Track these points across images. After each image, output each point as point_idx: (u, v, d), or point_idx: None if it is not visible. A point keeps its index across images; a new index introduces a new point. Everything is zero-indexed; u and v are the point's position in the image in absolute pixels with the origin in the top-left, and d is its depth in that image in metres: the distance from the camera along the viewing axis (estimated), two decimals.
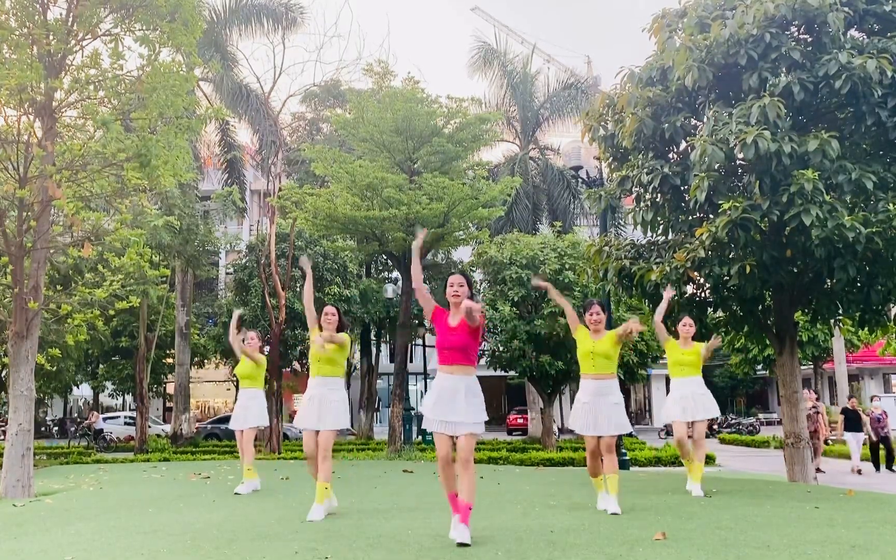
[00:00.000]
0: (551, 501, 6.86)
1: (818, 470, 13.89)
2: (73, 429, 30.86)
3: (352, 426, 27.40)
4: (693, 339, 7.75)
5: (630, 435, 9.13)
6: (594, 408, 6.15)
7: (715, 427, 30.19)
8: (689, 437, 7.54)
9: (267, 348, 19.32)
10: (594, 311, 6.33)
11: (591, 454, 6.29)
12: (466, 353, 4.85)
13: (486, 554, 4.36)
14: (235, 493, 8.03)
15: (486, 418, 4.94)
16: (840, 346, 28.14)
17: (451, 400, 4.76)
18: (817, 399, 16.49)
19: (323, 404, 6.16)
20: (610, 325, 14.47)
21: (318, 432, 6.19)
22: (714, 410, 7.54)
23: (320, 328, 6.31)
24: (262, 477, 8.96)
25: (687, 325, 7.64)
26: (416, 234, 5.11)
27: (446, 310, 4.98)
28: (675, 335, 7.74)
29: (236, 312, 8.58)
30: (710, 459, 16.55)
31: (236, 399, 8.86)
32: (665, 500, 6.78)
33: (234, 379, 35.50)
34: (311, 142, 22.70)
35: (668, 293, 7.71)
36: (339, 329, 6.31)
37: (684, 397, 7.49)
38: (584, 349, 6.30)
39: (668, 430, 8.85)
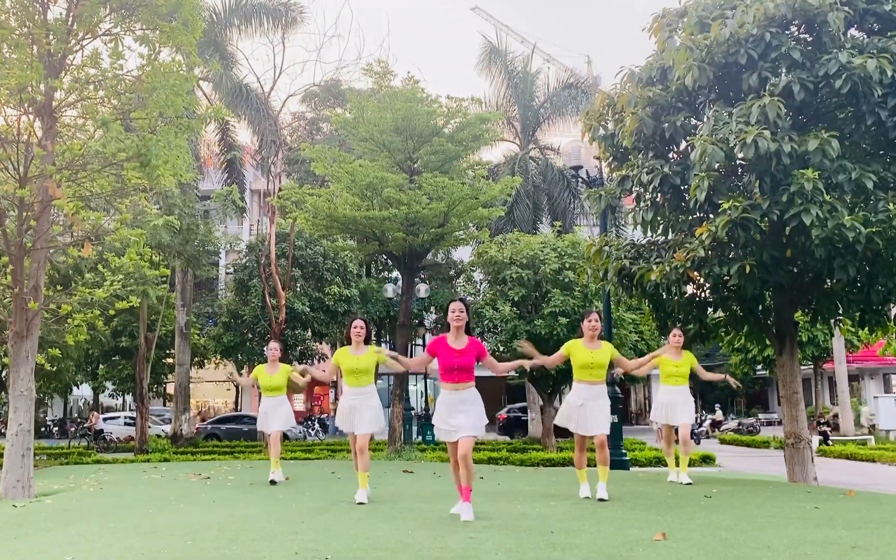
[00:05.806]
0: (551, 501, 6.86)
1: None
2: (73, 429, 30.84)
3: None
4: (693, 339, 7.93)
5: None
6: (586, 410, 6.76)
7: (705, 429, 30.54)
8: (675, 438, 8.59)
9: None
10: (593, 318, 6.87)
11: (580, 449, 7.08)
12: (471, 372, 5.78)
13: (486, 554, 4.36)
14: (271, 482, 8.83)
15: (486, 421, 5.92)
16: (840, 346, 28.09)
17: (459, 412, 5.68)
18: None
19: (360, 412, 7.08)
20: (609, 325, 14.60)
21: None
22: (692, 416, 8.51)
23: (348, 341, 7.22)
24: (262, 477, 9.48)
25: (676, 336, 8.39)
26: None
27: (442, 336, 5.83)
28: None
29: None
30: (710, 459, 16.58)
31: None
32: (665, 500, 6.78)
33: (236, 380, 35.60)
34: (311, 141, 22.69)
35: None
36: (367, 340, 7.20)
37: (671, 404, 8.40)
38: (582, 360, 6.81)
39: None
